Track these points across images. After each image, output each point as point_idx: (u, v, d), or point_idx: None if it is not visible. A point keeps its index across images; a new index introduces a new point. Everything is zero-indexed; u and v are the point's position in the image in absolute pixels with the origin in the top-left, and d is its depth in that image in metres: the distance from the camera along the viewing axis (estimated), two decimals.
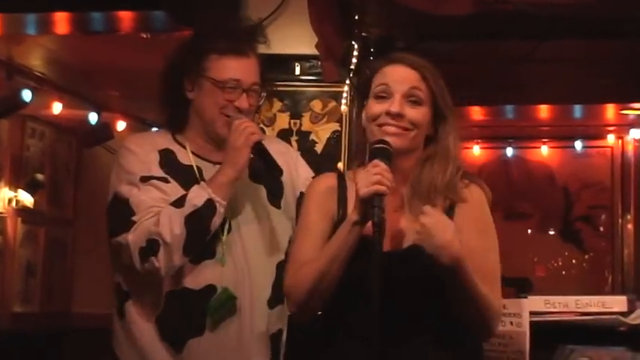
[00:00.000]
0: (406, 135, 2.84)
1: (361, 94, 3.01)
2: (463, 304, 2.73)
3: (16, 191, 9.17)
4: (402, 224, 2.83)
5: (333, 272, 2.73)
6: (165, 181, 3.32)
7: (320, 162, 4.67)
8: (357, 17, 5.30)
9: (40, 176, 9.48)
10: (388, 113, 2.82)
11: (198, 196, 3.23)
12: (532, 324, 3.48)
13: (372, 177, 2.66)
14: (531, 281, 9.24)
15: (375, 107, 2.87)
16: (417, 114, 2.85)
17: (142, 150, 3.40)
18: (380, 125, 2.84)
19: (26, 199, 9.27)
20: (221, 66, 3.39)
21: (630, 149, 9.46)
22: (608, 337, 3.48)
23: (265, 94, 3.48)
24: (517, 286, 9.18)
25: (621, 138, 9.47)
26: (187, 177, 3.34)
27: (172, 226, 3.19)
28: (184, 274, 3.28)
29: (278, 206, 3.45)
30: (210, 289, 3.27)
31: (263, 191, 3.43)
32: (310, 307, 2.83)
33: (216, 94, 3.36)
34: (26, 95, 8.33)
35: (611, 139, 9.53)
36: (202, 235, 3.23)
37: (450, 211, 2.83)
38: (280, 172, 3.34)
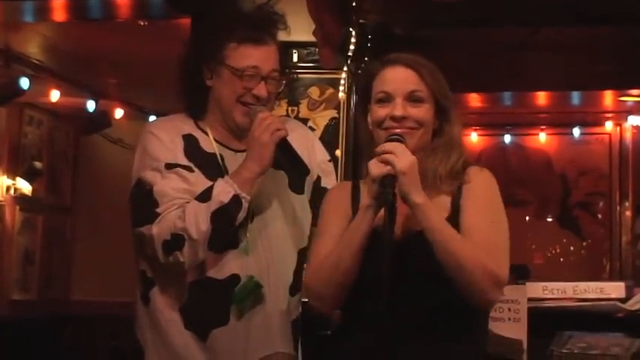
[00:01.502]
0: (414, 134, 2.86)
1: (363, 100, 3.00)
2: (444, 264, 2.71)
3: (14, 179, 9.17)
4: (408, 213, 2.81)
5: (347, 259, 2.77)
6: (190, 169, 3.29)
7: None
8: (354, 4, 5.29)
9: (38, 164, 9.47)
10: (392, 118, 2.85)
11: (224, 191, 3.19)
12: (530, 310, 3.49)
13: (385, 158, 2.70)
14: (529, 268, 9.26)
15: (378, 112, 2.88)
16: (420, 112, 2.87)
17: (167, 136, 3.37)
18: (386, 129, 2.86)
19: (24, 186, 9.27)
20: (239, 54, 3.37)
21: (628, 136, 9.46)
22: (605, 323, 3.49)
23: (285, 82, 3.44)
24: (515, 272, 9.20)
25: (619, 125, 9.47)
26: (211, 165, 3.32)
27: (199, 222, 3.17)
28: (208, 264, 3.27)
29: (300, 192, 3.44)
30: (234, 278, 3.25)
31: (285, 178, 3.41)
32: (330, 298, 2.85)
33: (235, 82, 3.34)
34: (24, 83, 8.33)
35: (609, 126, 9.53)
36: (228, 231, 3.22)
37: (457, 194, 2.85)
38: (306, 171, 3.33)
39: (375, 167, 2.70)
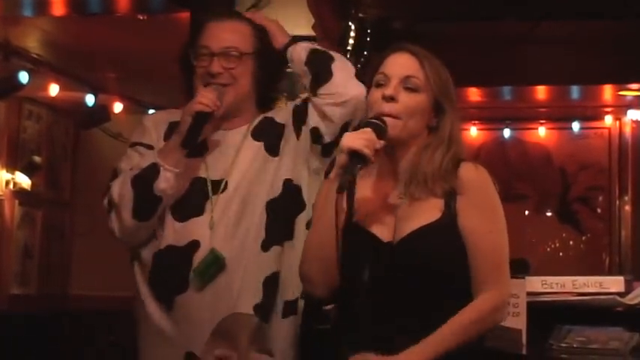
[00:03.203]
0: (400, 123, 2.80)
1: (367, 87, 2.98)
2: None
3: (13, 173, 9.17)
4: (400, 214, 2.80)
5: (322, 233, 2.77)
6: (150, 148, 3.36)
7: None
8: None
9: (37, 158, 9.47)
10: (383, 97, 2.81)
11: (146, 160, 3.28)
12: (529, 304, 3.49)
13: (362, 139, 2.69)
14: (529, 262, 9.26)
15: (373, 94, 2.86)
16: (411, 100, 2.81)
17: (152, 123, 3.47)
18: (375, 113, 2.82)
19: (23, 181, 9.27)
20: (199, 36, 3.41)
21: (628, 130, 9.46)
22: (605, 317, 3.49)
23: (255, 59, 3.41)
24: (515, 266, 9.21)
25: (619, 119, 9.47)
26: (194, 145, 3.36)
27: (121, 187, 3.28)
28: (171, 233, 3.32)
29: (275, 154, 3.42)
30: (194, 244, 3.29)
31: (262, 147, 3.42)
32: (316, 277, 2.87)
33: (196, 63, 3.38)
34: (23, 77, 8.32)
35: (608, 120, 9.53)
36: (148, 198, 3.26)
37: (451, 196, 2.81)
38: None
39: (349, 141, 2.71)
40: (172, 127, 3.39)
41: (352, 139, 2.69)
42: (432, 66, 2.88)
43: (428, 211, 2.77)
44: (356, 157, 2.66)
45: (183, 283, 3.28)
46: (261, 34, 3.46)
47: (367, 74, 2.91)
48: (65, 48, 8.32)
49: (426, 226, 2.76)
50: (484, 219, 2.83)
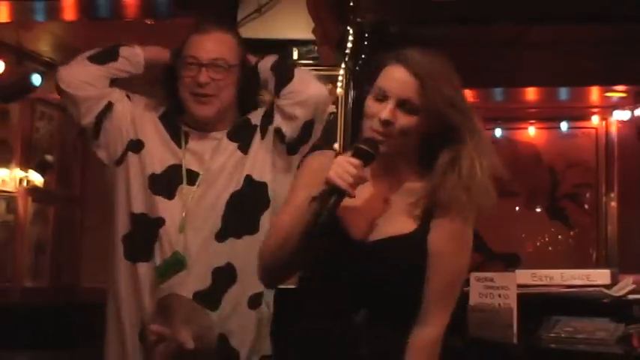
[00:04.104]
0: (393, 141, 2.64)
1: (368, 80, 2.75)
2: None
3: (26, 171, 9.18)
4: (382, 217, 2.69)
5: (290, 241, 2.61)
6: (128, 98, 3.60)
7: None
8: (352, 3, 5.29)
9: (49, 157, 9.48)
10: (379, 119, 2.62)
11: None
12: (520, 296, 3.49)
13: (347, 173, 2.54)
14: (519, 256, 9.29)
15: (371, 107, 2.65)
16: (408, 122, 2.62)
17: (139, 111, 3.60)
18: (372, 130, 2.63)
19: (36, 179, 9.28)
20: (186, 46, 3.42)
21: (614, 130, 9.46)
22: (592, 308, 3.49)
23: (242, 71, 3.43)
24: (506, 260, 9.24)
25: (605, 119, 9.47)
26: (175, 133, 3.46)
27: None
28: (144, 201, 3.40)
29: (246, 153, 3.44)
30: (161, 221, 3.35)
31: (237, 147, 3.43)
32: (273, 274, 2.75)
33: (182, 72, 3.39)
34: (35, 79, 8.34)
35: (595, 120, 9.53)
36: (108, 50, 3.55)
37: (430, 210, 2.67)
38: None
39: (337, 174, 2.54)
40: (166, 114, 3.52)
41: (338, 174, 2.53)
42: (434, 85, 2.66)
43: (405, 221, 2.66)
44: (336, 191, 2.53)
45: (148, 252, 3.34)
46: (244, 45, 3.48)
47: (366, 73, 2.85)
48: (76, 51, 8.28)
49: (398, 236, 2.64)
50: (453, 243, 2.69)
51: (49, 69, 8.41)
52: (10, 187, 9.03)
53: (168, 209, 3.35)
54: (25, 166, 9.18)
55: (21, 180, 9.14)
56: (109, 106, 3.47)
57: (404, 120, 2.62)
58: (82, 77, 3.46)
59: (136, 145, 3.45)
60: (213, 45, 3.38)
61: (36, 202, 9.41)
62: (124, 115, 3.49)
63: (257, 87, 3.52)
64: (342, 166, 2.54)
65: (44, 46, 8.25)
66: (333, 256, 2.62)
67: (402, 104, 2.61)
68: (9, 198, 9.05)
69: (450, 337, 2.79)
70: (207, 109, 3.36)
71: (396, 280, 2.64)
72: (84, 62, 3.47)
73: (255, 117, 3.48)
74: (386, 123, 2.60)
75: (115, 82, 3.57)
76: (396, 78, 2.64)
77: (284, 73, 3.42)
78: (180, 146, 3.43)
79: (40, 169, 9.33)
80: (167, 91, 3.50)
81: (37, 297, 9.30)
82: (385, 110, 2.60)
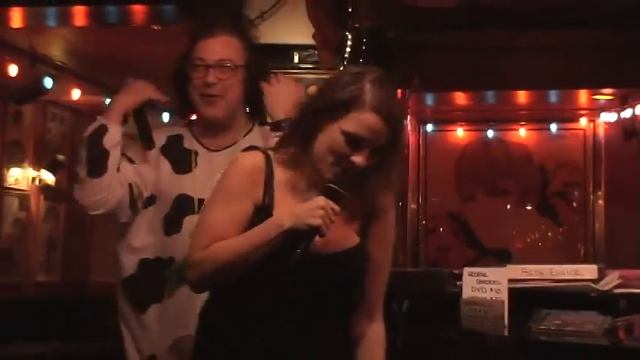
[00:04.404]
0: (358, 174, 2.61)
1: (336, 109, 2.59)
2: None
3: (39, 171, 9.18)
4: (338, 230, 2.62)
5: (250, 262, 2.54)
6: (130, 161, 3.46)
7: None
8: (350, 10, 5.30)
9: (60, 157, 9.48)
10: (351, 162, 2.57)
11: (95, 123, 3.44)
12: (511, 290, 3.49)
13: (329, 217, 2.49)
14: (510, 252, 9.29)
15: (342, 148, 2.57)
16: (369, 160, 2.59)
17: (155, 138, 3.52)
18: (338, 166, 2.58)
19: (48, 177, 9.28)
20: (194, 49, 3.41)
21: (601, 131, 9.45)
22: (580, 302, 3.50)
23: (248, 71, 3.41)
24: (498, 256, 9.24)
25: (593, 121, 9.47)
26: (184, 160, 3.40)
27: (80, 153, 3.41)
28: (159, 245, 3.37)
29: None
30: (172, 260, 3.32)
31: None
32: (210, 283, 2.64)
33: (192, 75, 3.39)
34: (47, 82, 8.32)
35: (583, 122, 9.53)
36: (97, 153, 3.37)
37: (369, 220, 2.71)
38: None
39: (310, 215, 2.48)
40: (173, 140, 3.47)
41: (310, 215, 2.48)
42: (399, 129, 2.64)
43: (350, 233, 2.67)
44: (316, 232, 2.49)
45: (160, 293, 3.32)
46: (251, 47, 3.47)
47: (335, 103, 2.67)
48: (86, 55, 8.32)
49: (350, 248, 2.66)
50: (387, 249, 2.76)
51: (60, 72, 8.42)
52: (23, 185, 9.04)
53: (178, 243, 3.32)
54: (37, 165, 9.18)
55: (33, 179, 9.15)
56: (130, 187, 3.42)
57: (368, 160, 2.59)
58: (99, 195, 3.40)
59: (151, 200, 3.45)
60: (220, 47, 3.38)
61: (48, 200, 9.41)
62: (138, 185, 3.45)
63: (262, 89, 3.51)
64: (323, 209, 2.49)
65: (56, 51, 8.25)
66: (284, 267, 2.53)
67: (372, 146, 2.58)
68: (22, 196, 9.05)
69: (444, 329, 2.80)
70: (216, 109, 3.35)
71: (348, 288, 2.69)
72: (88, 181, 3.39)
73: (261, 142, 3.40)
74: (358, 168, 2.57)
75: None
76: (372, 129, 2.56)
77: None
78: (190, 169, 3.40)
79: (52, 169, 9.33)
80: (179, 96, 3.49)
81: (49, 291, 9.30)
82: (362, 157, 2.56)
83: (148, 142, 3.43)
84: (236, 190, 2.63)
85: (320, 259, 2.58)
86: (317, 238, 2.50)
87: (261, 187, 2.63)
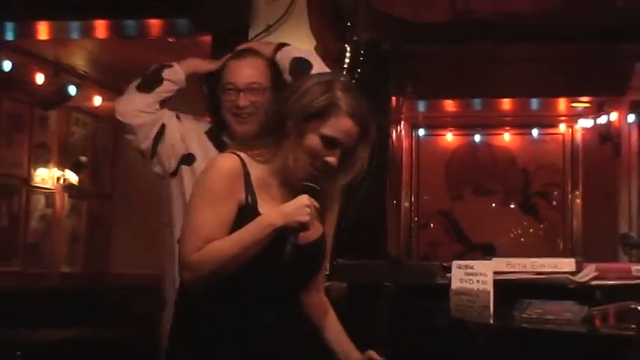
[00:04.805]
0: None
1: (316, 114, 2.62)
2: None
3: (63, 171, 9.17)
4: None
5: (243, 261, 2.54)
6: (178, 118, 3.54)
7: None
8: (349, 24, 5.28)
9: (83, 158, 9.47)
10: (325, 162, 2.62)
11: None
12: (496, 282, 3.48)
13: (306, 211, 2.54)
14: (495, 247, 9.29)
15: (318, 148, 2.62)
16: (338, 161, 2.65)
17: (186, 131, 3.54)
18: (312, 166, 2.62)
19: (72, 177, 9.27)
20: (224, 72, 3.40)
21: (579, 136, 9.47)
22: (559, 292, 3.48)
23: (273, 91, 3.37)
24: (484, 250, 9.23)
25: (571, 127, 9.48)
26: (222, 147, 3.34)
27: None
28: None
29: None
30: None
31: None
32: (208, 284, 2.56)
33: (223, 97, 3.38)
34: (71, 90, 8.35)
35: (562, 127, 9.54)
36: (154, 76, 3.49)
37: (324, 215, 2.76)
38: None
39: (299, 213, 2.53)
40: (212, 130, 3.48)
41: (299, 213, 2.53)
42: (371, 132, 2.70)
43: (317, 223, 2.69)
44: (303, 228, 2.54)
45: None
46: (273, 67, 3.45)
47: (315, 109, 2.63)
48: (107, 65, 8.32)
49: (320, 236, 2.73)
50: (332, 232, 2.85)
51: (83, 81, 8.43)
52: (49, 184, 9.03)
53: None
54: (61, 166, 9.18)
55: (58, 178, 9.14)
56: (163, 128, 3.45)
57: (338, 160, 2.65)
58: (136, 107, 3.44)
59: (188, 159, 3.45)
60: (249, 70, 3.37)
61: (71, 198, 9.40)
62: (174, 134, 3.47)
63: None
64: (309, 207, 2.55)
65: (79, 61, 8.25)
66: (277, 261, 2.55)
67: (346, 151, 2.64)
68: (48, 194, 9.05)
69: (435, 317, 2.79)
70: (247, 127, 3.28)
71: (318, 270, 2.81)
72: (134, 93, 3.45)
73: None
74: (332, 167, 2.63)
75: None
76: (348, 132, 2.63)
77: (300, 71, 3.41)
78: None
79: (75, 169, 9.33)
80: (211, 111, 3.48)
81: (72, 281, 9.30)
82: (334, 158, 2.61)
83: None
84: (220, 193, 2.59)
85: (300, 250, 2.60)
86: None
87: (242, 187, 2.62)
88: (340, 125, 2.61)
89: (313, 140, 2.61)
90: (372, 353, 2.79)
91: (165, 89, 3.44)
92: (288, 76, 3.41)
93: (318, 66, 3.51)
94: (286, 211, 2.55)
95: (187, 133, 3.48)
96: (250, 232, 2.55)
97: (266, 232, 2.53)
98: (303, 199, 2.56)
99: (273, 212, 2.56)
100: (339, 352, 2.83)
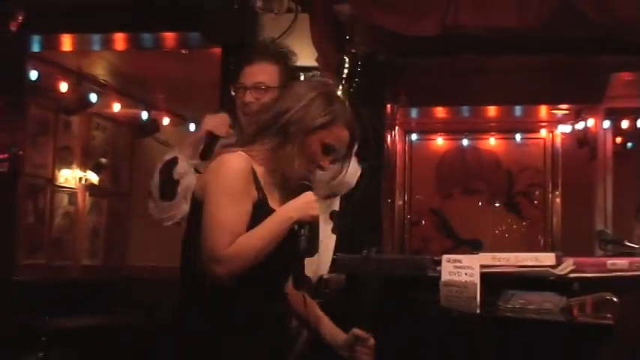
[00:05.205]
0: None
1: (321, 125, 2.70)
2: None
3: (85, 172, 9.17)
4: None
5: (267, 253, 2.55)
6: (197, 171, 3.38)
7: None
8: (347, 37, 5.29)
9: (103, 160, 9.46)
10: (320, 165, 2.72)
11: (168, 155, 3.40)
12: (482, 274, 3.47)
13: (315, 206, 2.62)
14: (482, 242, 9.27)
15: (319, 156, 2.72)
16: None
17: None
18: (309, 170, 2.70)
19: (93, 177, 9.27)
20: (238, 75, 3.40)
21: (558, 141, 9.45)
22: (540, 284, 3.48)
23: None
24: (471, 245, 9.21)
25: (551, 132, 9.46)
26: None
27: (153, 178, 3.37)
28: None
29: None
30: None
31: None
32: (238, 276, 2.55)
33: (236, 96, 3.38)
34: (92, 97, 8.35)
35: (543, 132, 9.52)
36: (169, 182, 3.33)
37: None
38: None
39: (312, 209, 2.61)
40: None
41: (312, 208, 2.61)
42: (357, 137, 2.84)
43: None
44: (309, 221, 2.61)
45: None
46: (287, 70, 3.44)
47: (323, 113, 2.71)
48: (125, 75, 8.32)
49: None
50: None
51: (103, 89, 8.43)
52: (72, 184, 9.03)
53: None
54: (83, 167, 9.17)
55: (80, 178, 9.14)
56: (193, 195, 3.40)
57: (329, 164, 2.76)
58: (171, 212, 3.40)
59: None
60: (256, 72, 3.36)
61: (92, 197, 9.40)
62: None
63: None
64: (315, 202, 2.63)
65: (99, 70, 8.25)
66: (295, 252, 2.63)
67: (343, 156, 2.79)
68: (71, 193, 9.05)
69: (426, 307, 2.79)
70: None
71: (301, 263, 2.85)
72: (161, 203, 3.39)
73: None
74: (324, 169, 2.74)
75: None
76: (344, 140, 2.75)
77: None
78: None
79: (96, 170, 9.32)
80: (231, 110, 3.48)
81: (93, 273, 9.30)
82: (327, 162, 2.73)
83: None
84: (240, 190, 2.58)
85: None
86: None
87: (253, 184, 2.62)
88: (339, 135, 2.72)
89: (315, 148, 2.68)
90: (357, 330, 2.82)
91: (184, 184, 3.35)
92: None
93: None
94: (299, 205, 2.60)
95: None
96: (274, 225, 2.57)
97: (286, 225, 2.57)
98: (310, 195, 2.62)
99: (289, 207, 2.61)
100: (326, 334, 2.87)
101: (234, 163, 2.62)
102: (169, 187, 3.34)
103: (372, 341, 2.83)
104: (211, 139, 3.30)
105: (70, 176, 9.00)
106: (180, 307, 2.71)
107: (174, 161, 3.35)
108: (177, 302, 2.75)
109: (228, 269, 2.51)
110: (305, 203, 2.60)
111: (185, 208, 3.31)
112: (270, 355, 2.65)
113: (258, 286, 2.61)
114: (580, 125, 8.84)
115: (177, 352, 2.67)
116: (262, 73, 3.37)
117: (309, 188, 2.64)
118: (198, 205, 2.64)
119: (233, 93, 3.39)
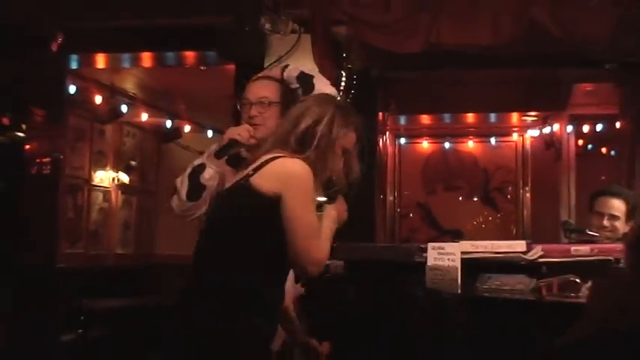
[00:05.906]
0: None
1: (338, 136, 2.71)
2: None
3: (117, 173, 9.18)
4: None
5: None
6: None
7: None
8: (344, 55, 5.28)
9: (133, 162, 9.48)
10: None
11: (197, 161, 3.33)
12: (463, 260, 3.47)
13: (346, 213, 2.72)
14: (462, 232, 9.25)
15: (340, 161, 2.74)
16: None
17: None
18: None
19: (124, 178, 9.28)
20: (244, 91, 3.37)
21: (528, 143, 9.41)
22: (513, 268, 3.47)
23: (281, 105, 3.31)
24: (453, 234, 9.20)
25: (522, 136, 9.43)
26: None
27: (182, 178, 3.31)
28: None
29: None
30: None
31: None
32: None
33: (242, 111, 3.34)
34: (123, 108, 8.34)
35: (515, 136, 9.49)
36: (197, 185, 3.27)
37: None
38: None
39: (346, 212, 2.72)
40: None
41: (345, 212, 2.72)
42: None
43: None
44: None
45: None
46: (287, 88, 3.38)
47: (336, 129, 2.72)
48: (151, 88, 8.32)
49: None
50: None
51: (132, 101, 8.42)
52: (106, 183, 9.04)
53: None
54: (116, 168, 9.18)
55: (113, 178, 9.15)
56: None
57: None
58: (189, 212, 3.34)
59: None
60: (259, 88, 3.32)
61: (123, 194, 9.41)
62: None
63: None
64: (342, 206, 2.73)
65: (129, 85, 8.25)
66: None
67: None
68: (105, 191, 9.06)
69: (414, 288, 2.78)
70: (257, 134, 3.26)
71: None
72: (186, 202, 3.31)
73: None
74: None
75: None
76: (354, 143, 2.77)
77: (308, 85, 3.35)
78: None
79: (127, 171, 9.34)
80: (239, 123, 3.45)
81: (125, 260, 9.30)
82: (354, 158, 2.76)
83: (219, 157, 3.30)
84: (314, 195, 2.60)
85: None
86: None
87: None
88: (353, 138, 2.74)
89: (339, 152, 2.70)
90: (314, 342, 2.91)
91: (209, 189, 3.29)
92: (296, 85, 3.36)
93: (318, 77, 3.46)
94: (340, 210, 2.72)
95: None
96: (332, 227, 2.66)
97: (335, 226, 2.68)
98: (342, 200, 2.72)
99: (337, 211, 2.71)
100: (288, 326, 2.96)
101: (307, 169, 2.56)
102: (196, 190, 3.28)
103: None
104: (231, 144, 3.26)
105: (104, 177, 9.01)
106: (201, 292, 2.78)
107: (201, 167, 3.29)
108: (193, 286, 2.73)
109: (320, 270, 2.57)
110: (344, 208, 2.71)
111: (204, 208, 3.31)
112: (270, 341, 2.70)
113: (283, 281, 2.66)
114: (547, 130, 8.83)
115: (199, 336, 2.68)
116: (265, 89, 3.33)
117: (338, 193, 2.69)
118: (266, 200, 2.52)
119: (239, 107, 3.36)
